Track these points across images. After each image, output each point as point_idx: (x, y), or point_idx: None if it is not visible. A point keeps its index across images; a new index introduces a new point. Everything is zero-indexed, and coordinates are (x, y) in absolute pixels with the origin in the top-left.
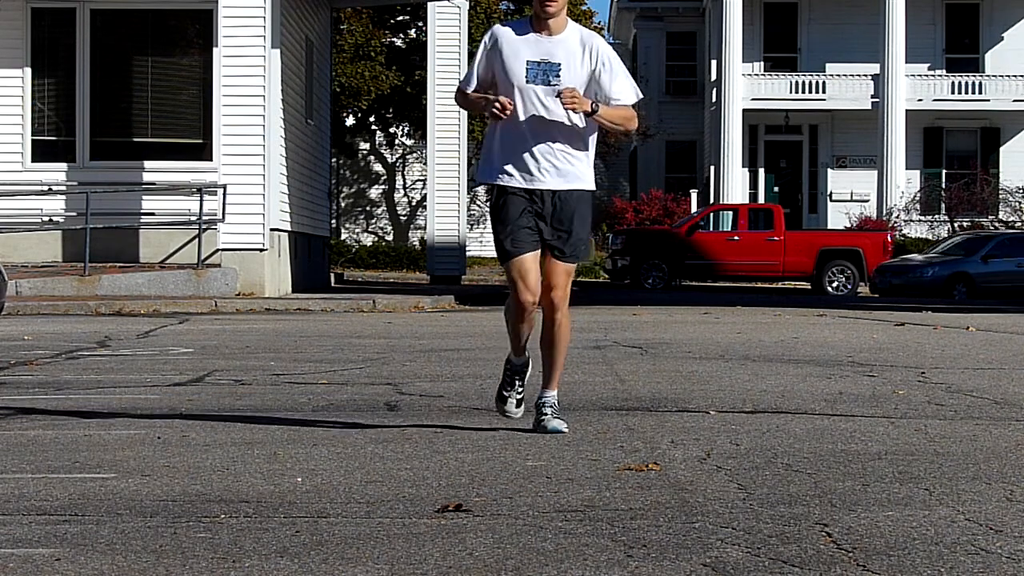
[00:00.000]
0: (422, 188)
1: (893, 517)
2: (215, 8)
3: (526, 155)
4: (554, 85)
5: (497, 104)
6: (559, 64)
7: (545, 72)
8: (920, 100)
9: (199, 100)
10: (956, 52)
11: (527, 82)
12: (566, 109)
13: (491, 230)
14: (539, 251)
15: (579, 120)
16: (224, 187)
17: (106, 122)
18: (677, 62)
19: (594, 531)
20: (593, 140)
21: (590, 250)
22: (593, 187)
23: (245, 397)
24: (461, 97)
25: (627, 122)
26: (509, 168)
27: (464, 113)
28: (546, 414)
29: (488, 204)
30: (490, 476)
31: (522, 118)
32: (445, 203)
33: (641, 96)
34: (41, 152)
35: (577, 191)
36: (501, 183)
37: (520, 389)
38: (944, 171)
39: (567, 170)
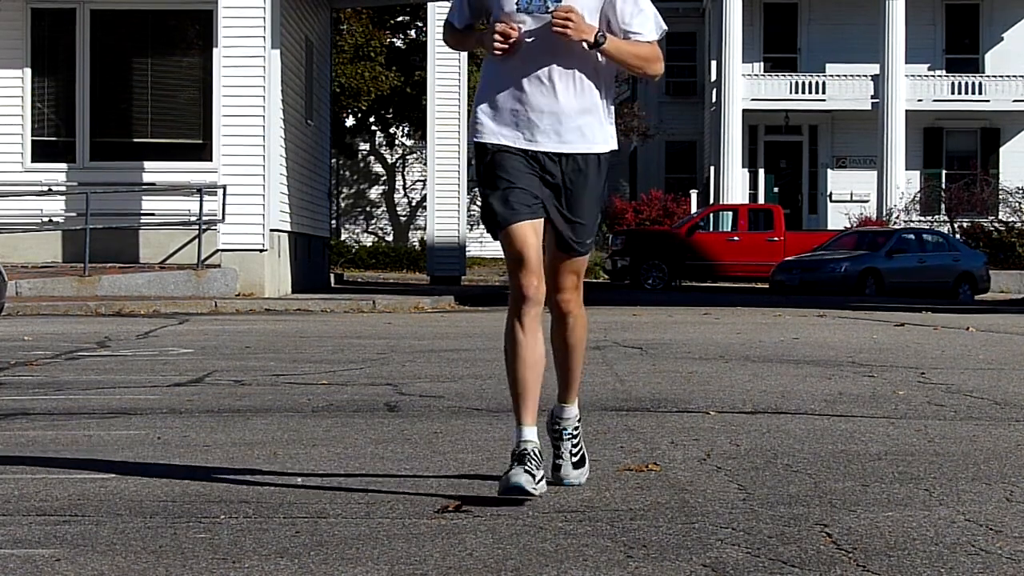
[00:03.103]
0: (422, 188)
1: (893, 517)
2: (215, 8)
3: (523, 107)
4: (554, 12)
5: (496, 36)
6: None
7: None
8: (920, 100)
9: (199, 100)
10: (956, 52)
11: (519, 10)
12: (555, 33)
13: (480, 196)
14: (542, 221)
15: (590, 55)
16: (224, 187)
17: (106, 122)
18: (677, 62)
19: (594, 531)
20: (610, 84)
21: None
22: (614, 146)
23: (245, 397)
24: (450, 34)
25: (647, 64)
26: (502, 123)
27: (464, 113)
28: (563, 456)
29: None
30: (490, 476)
31: (517, 58)
32: (445, 203)
33: (665, 29)
34: (41, 152)
35: (591, 155)
36: (492, 141)
37: (533, 468)
38: (944, 171)
39: (577, 126)
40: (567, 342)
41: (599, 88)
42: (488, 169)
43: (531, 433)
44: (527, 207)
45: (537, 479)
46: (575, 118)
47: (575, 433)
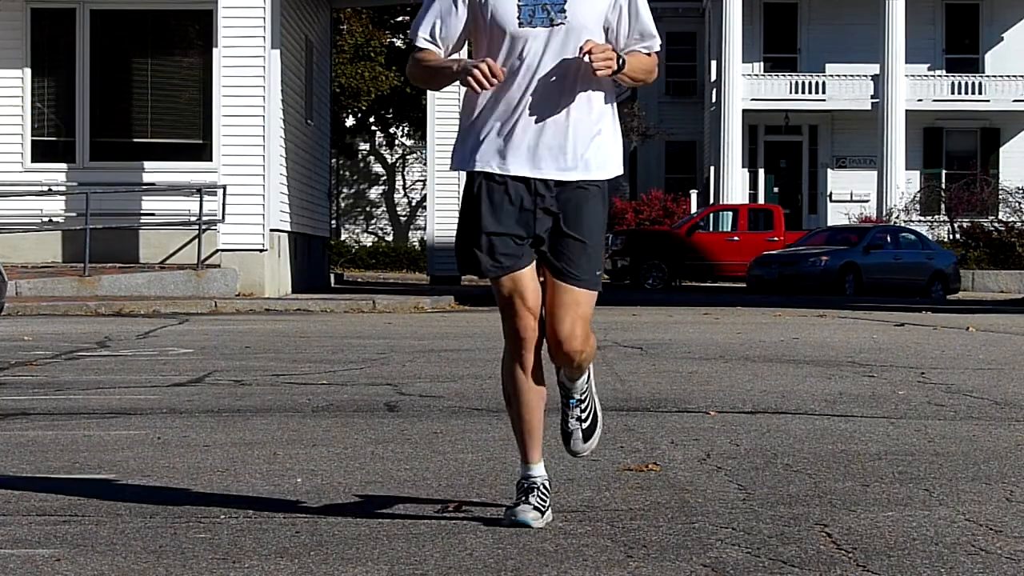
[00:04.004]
0: (422, 188)
1: (893, 517)
2: (215, 8)
3: (520, 131)
4: (559, 24)
5: (481, 68)
6: None
7: (545, 8)
8: (920, 100)
9: (199, 100)
10: (956, 52)
11: (521, 25)
12: (594, 69)
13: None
14: (534, 264)
15: (596, 79)
16: (224, 187)
17: (106, 122)
18: (677, 62)
19: (594, 531)
20: (614, 102)
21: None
22: (620, 170)
23: (245, 397)
24: (416, 67)
25: (649, 75)
26: (493, 148)
27: None
28: (571, 423)
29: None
30: (490, 476)
31: (517, 78)
32: (445, 203)
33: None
34: (41, 152)
35: (596, 182)
36: (480, 169)
37: (538, 503)
38: (944, 171)
39: (583, 152)
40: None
41: (604, 100)
42: (473, 204)
43: (539, 469)
44: (517, 258)
45: (544, 511)
46: (581, 140)
47: (583, 397)
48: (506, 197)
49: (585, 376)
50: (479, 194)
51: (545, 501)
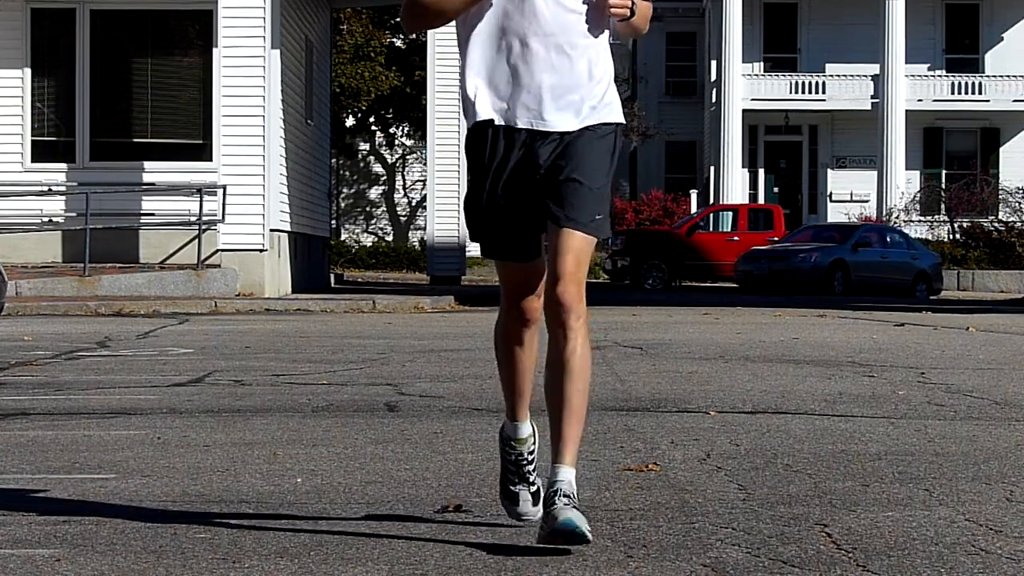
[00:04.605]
0: (422, 188)
1: (893, 517)
2: (215, 8)
3: (536, 84)
4: None
5: None
6: None
7: None
8: (920, 100)
9: (199, 100)
10: (956, 52)
11: None
12: (610, 15)
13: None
14: (542, 249)
15: (605, 24)
16: (224, 187)
17: (106, 122)
18: (677, 62)
19: (594, 531)
20: (608, 50)
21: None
22: (621, 119)
23: (245, 397)
24: (418, 4)
25: (646, 25)
26: (493, 101)
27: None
28: (558, 510)
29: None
30: (490, 476)
31: (532, 31)
32: (445, 203)
33: None
34: (41, 152)
35: (599, 127)
36: (481, 118)
37: (533, 477)
38: (944, 171)
39: (601, 97)
40: (567, 365)
41: (605, 50)
42: (479, 172)
43: (526, 428)
44: (525, 242)
45: (538, 502)
46: (600, 86)
47: (576, 504)
48: (512, 159)
49: (572, 476)
50: (481, 152)
51: (536, 480)
